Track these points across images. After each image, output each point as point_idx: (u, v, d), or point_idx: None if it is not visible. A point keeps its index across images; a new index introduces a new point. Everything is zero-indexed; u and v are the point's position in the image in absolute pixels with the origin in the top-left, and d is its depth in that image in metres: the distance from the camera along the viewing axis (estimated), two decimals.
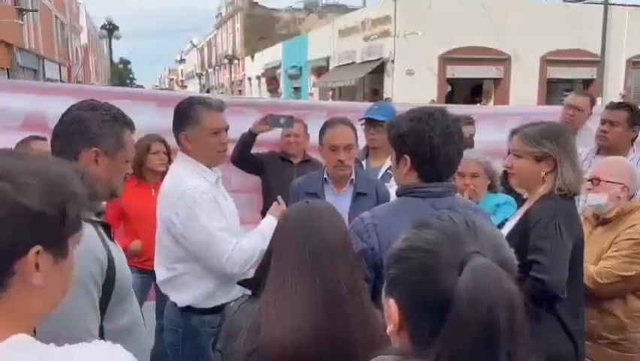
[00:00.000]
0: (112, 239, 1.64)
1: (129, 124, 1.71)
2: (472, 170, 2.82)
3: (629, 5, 20.75)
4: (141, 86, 40.77)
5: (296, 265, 1.37)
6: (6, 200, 0.83)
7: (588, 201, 2.47)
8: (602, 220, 2.50)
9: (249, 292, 1.54)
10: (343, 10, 29.59)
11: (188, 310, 2.23)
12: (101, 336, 1.47)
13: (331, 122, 2.73)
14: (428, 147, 1.71)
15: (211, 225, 2.14)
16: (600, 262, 2.39)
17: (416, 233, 0.86)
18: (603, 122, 3.26)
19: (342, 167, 2.62)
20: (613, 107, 3.34)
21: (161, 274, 2.31)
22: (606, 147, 3.23)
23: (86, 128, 1.60)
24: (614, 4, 19.62)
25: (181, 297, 2.24)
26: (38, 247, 0.86)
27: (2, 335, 0.82)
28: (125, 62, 72.88)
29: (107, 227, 1.62)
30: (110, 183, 1.65)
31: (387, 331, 0.87)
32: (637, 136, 3.26)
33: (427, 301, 0.80)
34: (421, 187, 1.77)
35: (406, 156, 1.77)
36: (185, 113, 2.25)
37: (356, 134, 2.72)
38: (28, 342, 0.84)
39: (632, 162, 3.12)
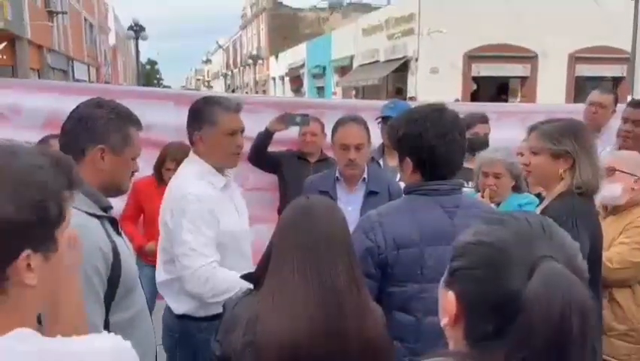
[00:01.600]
0: (119, 233, 1.66)
1: (135, 122, 1.72)
2: (495, 170, 2.77)
3: None
4: (168, 87, 41.35)
5: (294, 259, 1.38)
6: None
7: (602, 190, 2.42)
8: (611, 210, 2.49)
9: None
10: (367, 8, 29.52)
11: (185, 317, 2.18)
12: (106, 329, 1.48)
13: (343, 120, 2.71)
14: (426, 149, 1.71)
15: (190, 237, 2.06)
16: (611, 248, 2.38)
17: (488, 229, 0.83)
18: (625, 120, 3.17)
19: (352, 166, 2.60)
20: (637, 104, 3.24)
21: (159, 275, 2.26)
22: (630, 148, 3.13)
23: (92, 126, 1.62)
24: None
25: (176, 305, 2.19)
26: (27, 251, 0.86)
27: (5, 328, 0.84)
28: (153, 63, 74.08)
29: (113, 222, 1.64)
30: (116, 180, 1.67)
31: (442, 324, 0.85)
32: None
33: (489, 300, 0.77)
34: (425, 185, 1.75)
35: (408, 158, 1.76)
36: (201, 113, 2.20)
37: (368, 132, 2.69)
38: (29, 334, 0.86)
39: None
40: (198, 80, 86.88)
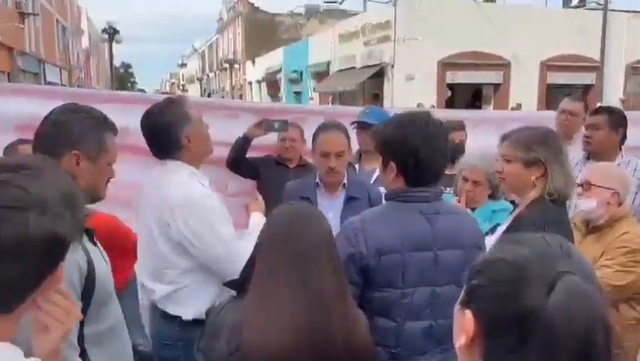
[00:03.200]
0: (94, 243, 1.63)
1: (111, 127, 1.69)
2: (475, 177, 2.82)
3: (628, 11, 20.78)
4: (143, 90, 40.82)
5: (280, 266, 1.38)
6: (48, 233, 0.84)
7: (578, 205, 2.46)
8: (592, 228, 2.49)
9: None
10: (344, 15, 29.67)
11: (192, 323, 2.12)
12: (81, 341, 1.46)
13: (324, 127, 2.71)
14: (411, 154, 1.73)
15: (225, 233, 2.09)
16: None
17: (506, 247, 0.83)
18: (586, 127, 3.29)
19: (332, 173, 2.61)
20: (594, 111, 3.39)
21: (159, 289, 2.19)
22: (593, 152, 3.25)
23: (66, 131, 1.59)
24: (613, 10, 19.67)
25: (186, 310, 2.14)
26: (49, 277, 0.89)
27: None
28: (127, 66, 73.09)
29: (88, 231, 1.60)
30: (91, 187, 1.63)
31: (457, 345, 0.83)
32: (624, 139, 3.26)
33: (511, 316, 0.76)
34: (408, 192, 1.78)
35: (392, 163, 1.78)
36: (176, 115, 2.16)
37: (349, 139, 2.71)
38: (11, 352, 0.86)
39: (621, 167, 3.14)
40: (173, 83, 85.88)
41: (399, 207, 1.78)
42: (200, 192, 2.10)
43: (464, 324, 0.81)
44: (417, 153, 1.72)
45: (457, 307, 0.85)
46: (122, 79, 60.72)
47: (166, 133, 2.13)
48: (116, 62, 45.16)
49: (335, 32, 23.78)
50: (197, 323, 2.09)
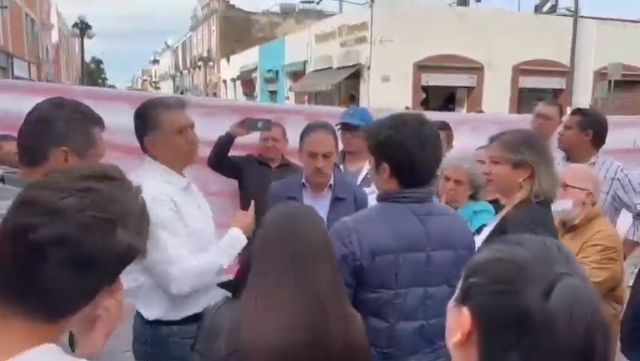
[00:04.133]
0: None
1: (98, 122, 1.66)
2: (457, 177, 2.84)
3: (597, 18, 21.34)
4: (114, 87, 40.10)
5: (277, 266, 1.36)
6: (128, 247, 0.86)
7: (554, 206, 2.52)
8: (568, 228, 2.57)
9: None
10: (320, 15, 29.70)
11: (156, 322, 2.14)
12: (71, 342, 1.43)
13: (313, 126, 2.68)
14: (406, 155, 1.73)
15: (163, 240, 2.00)
16: None
17: (505, 248, 0.83)
18: (562, 127, 3.43)
19: (319, 174, 2.60)
20: (573, 113, 3.52)
21: (125, 281, 2.21)
22: (564, 150, 3.37)
23: (53, 127, 1.56)
24: (583, 17, 20.18)
25: (147, 311, 2.15)
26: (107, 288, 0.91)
27: (35, 340, 0.83)
28: (98, 62, 71.59)
29: None
30: None
31: (450, 341, 0.83)
32: (600, 141, 3.33)
33: (509, 314, 0.76)
34: (401, 193, 1.78)
35: (385, 164, 1.78)
36: (143, 119, 2.14)
37: (337, 140, 2.70)
38: (54, 352, 0.85)
39: (595, 167, 3.22)
40: (145, 80, 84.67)
41: (392, 208, 1.78)
42: (148, 194, 2.03)
43: (460, 320, 0.81)
44: (411, 156, 1.73)
45: (451, 303, 0.86)
46: (93, 75, 59.47)
47: (136, 133, 2.18)
48: (87, 58, 44.22)
49: (311, 32, 23.78)
50: (159, 323, 2.13)
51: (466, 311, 0.81)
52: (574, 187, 2.52)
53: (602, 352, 0.73)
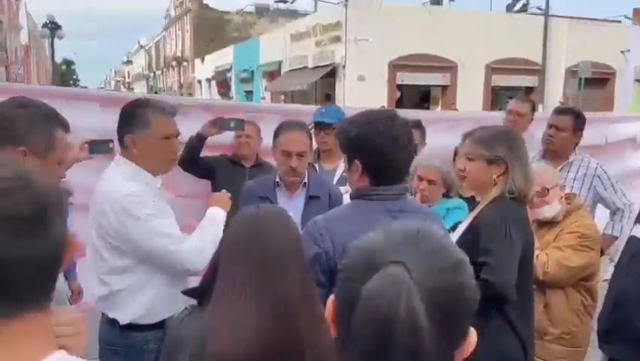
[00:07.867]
0: None
1: (62, 124, 1.62)
2: (430, 177, 2.83)
3: (568, 17, 21.77)
4: (85, 88, 39.35)
5: (245, 273, 1.29)
6: None
7: (542, 213, 2.54)
8: (545, 223, 2.61)
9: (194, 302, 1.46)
10: (295, 14, 29.64)
11: (129, 328, 2.09)
12: None
13: (287, 125, 2.65)
14: (377, 152, 1.71)
15: (161, 227, 2.05)
16: (545, 251, 2.50)
17: (372, 235, 0.82)
18: (550, 126, 3.34)
19: (293, 173, 2.57)
20: (560, 112, 3.43)
21: (99, 289, 2.14)
22: (552, 151, 3.33)
23: (12, 126, 1.52)
24: (553, 16, 20.56)
25: (121, 314, 2.09)
26: None
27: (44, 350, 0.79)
28: (69, 63, 70.25)
29: None
30: None
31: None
32: (579, 141, 3.37)
33: (344, 301, 0.77)
34: (373, 190, 1.75)
35: (357, 161, 1.75)
36: (134, 115, 2.12)
37: (311, 139, 2.68)
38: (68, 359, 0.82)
39: (574, 165, 3.25)
40: (118, 81, 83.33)
41: (364, 205, 1.75)
42: (134, 190, 2.05)
43: (328, 305, 0.84)
44: (382, 153, 1.70)
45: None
46: (64, 76, 58.32)
47: (119, 127, 2.15)
48: (57, 58, 43.37)
49: (286, 32, 23.73)
50: (136, 328, 2.10)
51: (331, 297, 0.84)
52: (551, 188, 2.54)
53: (405, 352, 0.69)
